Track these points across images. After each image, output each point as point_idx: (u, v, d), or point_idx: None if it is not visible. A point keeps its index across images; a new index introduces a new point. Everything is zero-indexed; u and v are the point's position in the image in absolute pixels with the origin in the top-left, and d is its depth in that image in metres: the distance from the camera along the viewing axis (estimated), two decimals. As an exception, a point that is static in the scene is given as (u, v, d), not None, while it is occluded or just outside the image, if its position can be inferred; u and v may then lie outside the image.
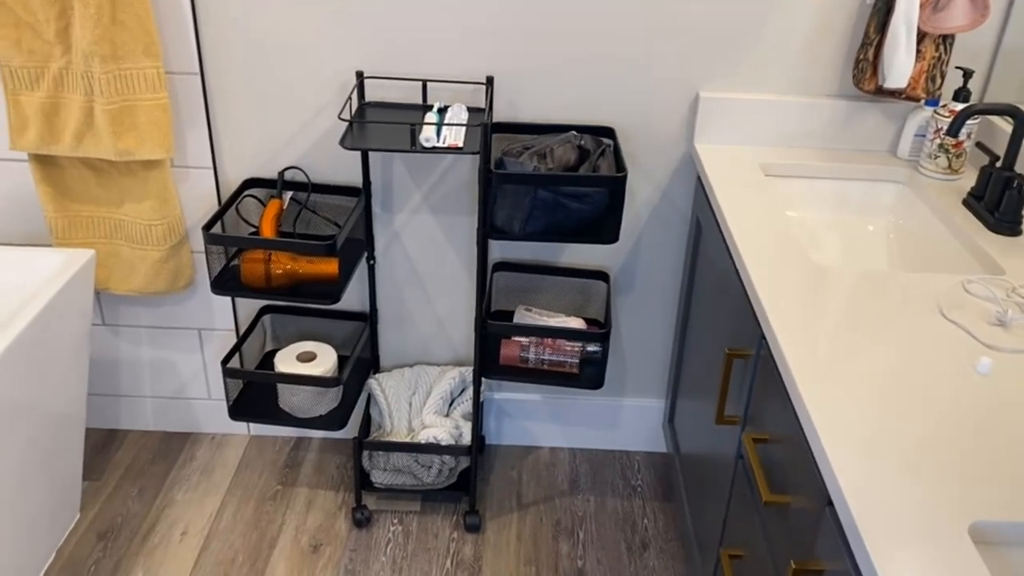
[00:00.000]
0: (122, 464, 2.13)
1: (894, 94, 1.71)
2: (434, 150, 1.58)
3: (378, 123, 1.68)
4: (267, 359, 2.08)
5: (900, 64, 1.62)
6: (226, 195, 1.93)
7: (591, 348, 1.87)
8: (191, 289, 2.03)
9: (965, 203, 1.58)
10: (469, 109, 1.75)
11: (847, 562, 0.92)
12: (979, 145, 1.62)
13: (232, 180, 1.92)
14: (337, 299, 1.74)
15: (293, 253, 1.75)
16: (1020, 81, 1.68)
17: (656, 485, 2.13)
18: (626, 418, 2.19)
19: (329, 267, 1.76)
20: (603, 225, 1.70)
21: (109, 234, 1.91)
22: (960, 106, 1.64)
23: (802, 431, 1.10)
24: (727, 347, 1.42)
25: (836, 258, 1.68)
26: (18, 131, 1.77)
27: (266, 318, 2.08)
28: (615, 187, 1.60)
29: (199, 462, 2.15)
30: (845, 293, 1.29)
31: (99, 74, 1.67)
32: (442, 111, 1.73)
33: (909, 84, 1.67)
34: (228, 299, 2.05)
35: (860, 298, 1.28)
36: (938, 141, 1.67)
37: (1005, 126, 1.66)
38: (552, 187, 1.60)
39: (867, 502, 0.91)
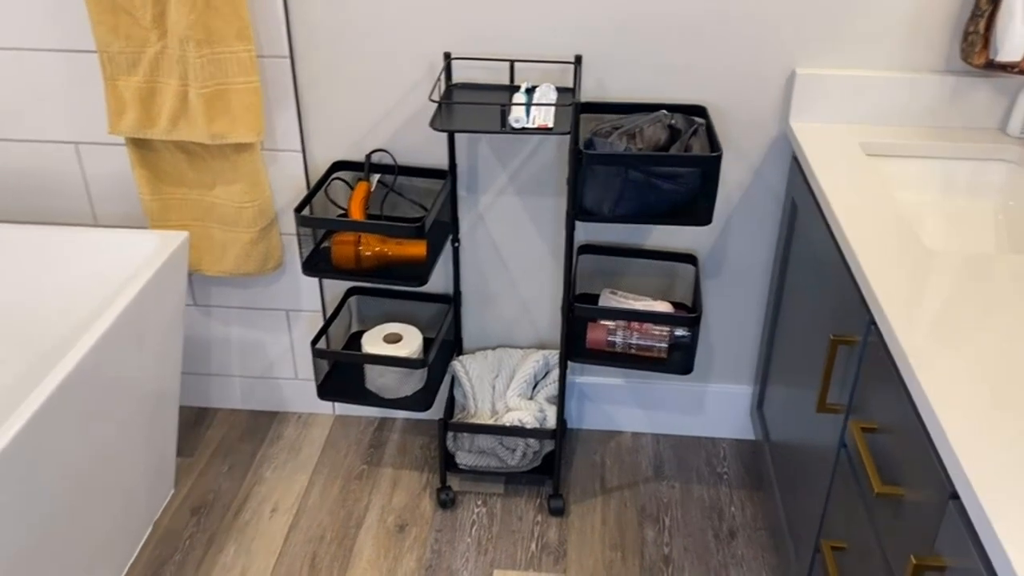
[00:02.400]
0: (212, 441, 2.18)
1: (1006, 68, 1.62)
2: (523, 131, 1.56)
3: (467, 104, 1.66)
4: (353, 340, 2.09)
5: (1015, 35, 1.53)
6: (314, 178, 1.95)
7: (679, 332, 1.83)
8: (280, 271, 2.06)
9: (1085, 182, 1.50)
10: (558, 89, 1.72)
11: (976, 559, 0.88)
12: (1101, 121, 1.52)
13: (320, 163, 1.93)
14: (425, 281, 1.74)
15: (382, 235, 1.76)
16: None
17: (743, 474, 2.09)
18: (711, 404, 2.15)
19: (417, 249, 1.76)
20: (696, 206, 1.66)
21: (201, 216, 1.95)
22: (1080, 80, 1.55)
23: (918, 421, 1.06)
24: (832, 333, 1.37)
25: (941, 241, 1.61)
26: (116, 115, 1.81)
27: (352, 300, 2.09)
28: (710, 167, 1.56)
29: (286, 440, 2.18)
30: (958, 277, 1.23)
31: (193, 58, 1.70)
32: (530, 91, 1.71)
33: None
34: (315, 281, 2.08)
35: (975, 282, 1.22)
36: (1055, 117, 1.58)
37: None
38: (644, 168, 1.57)
39: (997, 495, 0.86)
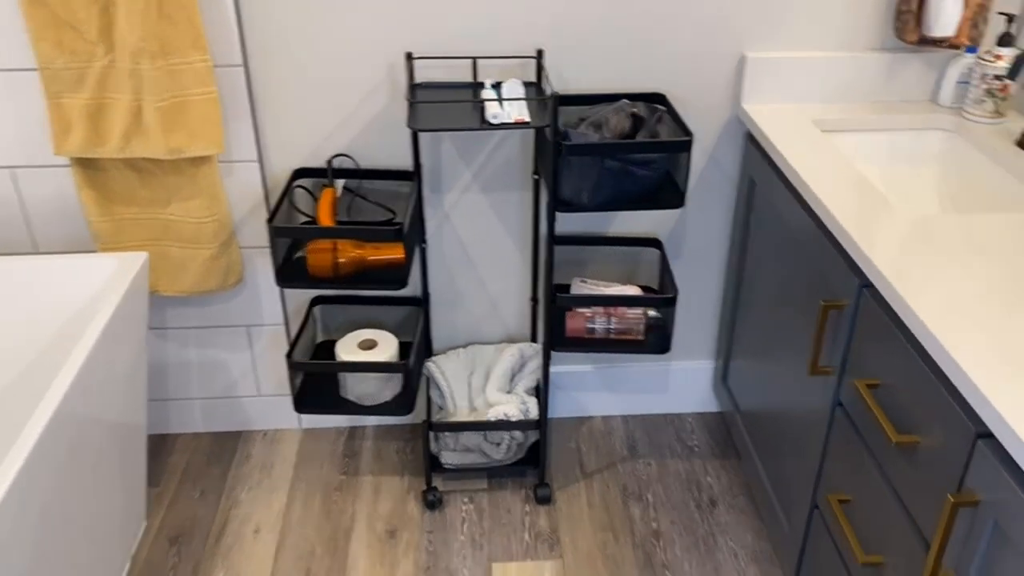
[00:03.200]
0: (177, 468, 2.10)
1: (937, 43, 1.75)
2: (502, 126, 1.57)
3: (440, 103, 1.67)
4: (319, 351, 2.06)
5: (946, 13, 1.65)
6: (272, 187, 1.91)
7: (652, 314, 1.89)
8: (239, 286, 2.00)
9: (1020, 144, 1.63)
10: (524, 84, 1.75)
11: (1016, 490, 0.95)
12: (1028, 87, 1.67)
13: (277, 172, 1.89)
14: (404, 284, 1.73)
15: (359, 240, 1.74)
16: (1055, 23, 1.73)
17: (713, 444, 2.17)
18: (675, 382, 2.23)
19: (395, 252, 1.75)
20: (668, 190, 1.72)
21: (157, 235, 1.87)
22: (1006, 50, 1.69)
23: (929, 370, 1.14)
24: (821, 299, 1.45)
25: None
26: (62, 135, 1.72)
27: (315, 309, 2.06)
28: (683, 150, 1.61)
29: (256, 459, 2.13)
30: (936, 236, 1.33)
31: (148, 71, 1.63)
32: (496, 87, 1.73)
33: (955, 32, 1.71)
34: (276, 294, 2.03)
35: (952, 239, 1.32)
36: (984, 86, 1.71)
37: (1048, 67, 1.71)
38: (620, 155, 1.61)
39: (1032, 430, 0.94)
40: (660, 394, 2.25)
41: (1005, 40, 1.69)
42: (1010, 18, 1.68)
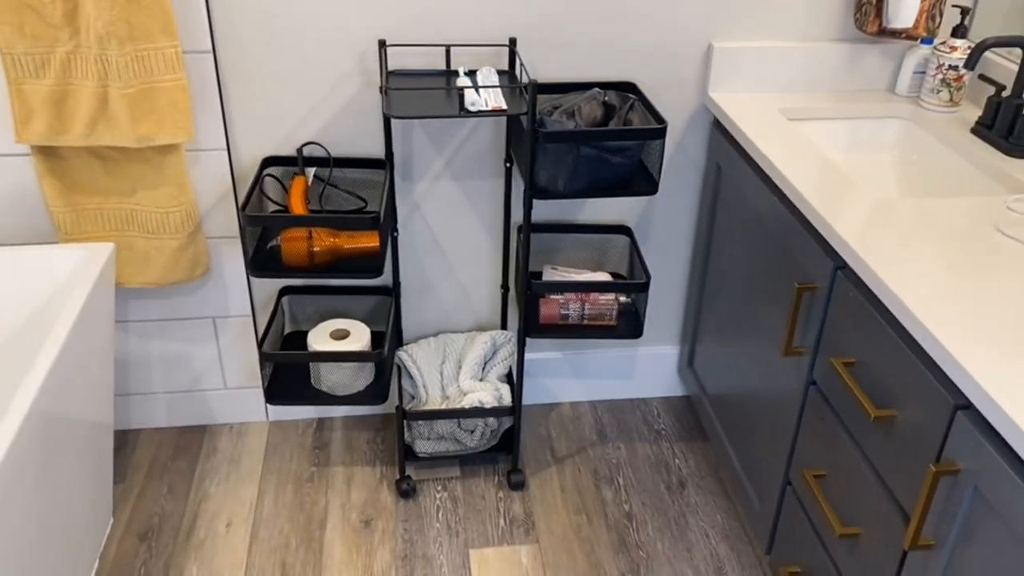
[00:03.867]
0: (142, 464, 2.06)
1: (896, 34, 1.81)
2: (480, 113, 1.58)
3: (416, 90, 1.66)
4: (288, 341, 2.04)
5: (908, 5, 1.72)
6: (240, 176, 1.88)
7: (625, 299, 1.92)
8: (205, 277, 1.97)
9: (975, 132, 1.70)
10: (497, 72, 1.75)
11: (996, 457, 1.00)
12: (982, 77, 1.74)
13: (245, 161, 1.86)
14: (380, 272, 1.72)
15: (334, 229, 1.72)
16: (1002, 16, 1.81)
17: (679, 428, 2.21)
18: (641, 367, 2.26)
19: (370, 240, 1.75)
20: (642, 177, 1.75)
21: (121, 226, 1.83)
22: (960, 42, 1.76)
23: (906, 346, 1.18)
24: (796, 281, 1.50)
25: (857, 193, 1.78)
26: (23, 123, 1.67)
27: (284, 300, 2.04)
28: (657, 138, 1.64)
29: (224, 453, 2.10)
30: (902, 219, 1.38)
31: (116, 57, 1.60)
32: (470, 75, 1.73)
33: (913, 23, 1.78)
34: (244, 285, 2.00)
35: (918, 222, 1.37)
36: (940, 76, 1.78)
37: (998, 59, 1.78)
38: (596, 143, 1.63)
39: (1008, 399, 0.99)
40: (626, 380, 2.28)
41: (959, 32, 1.76)
42: (964, 11, 1.75)
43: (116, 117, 1.66)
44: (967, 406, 1.08)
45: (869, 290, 1.30)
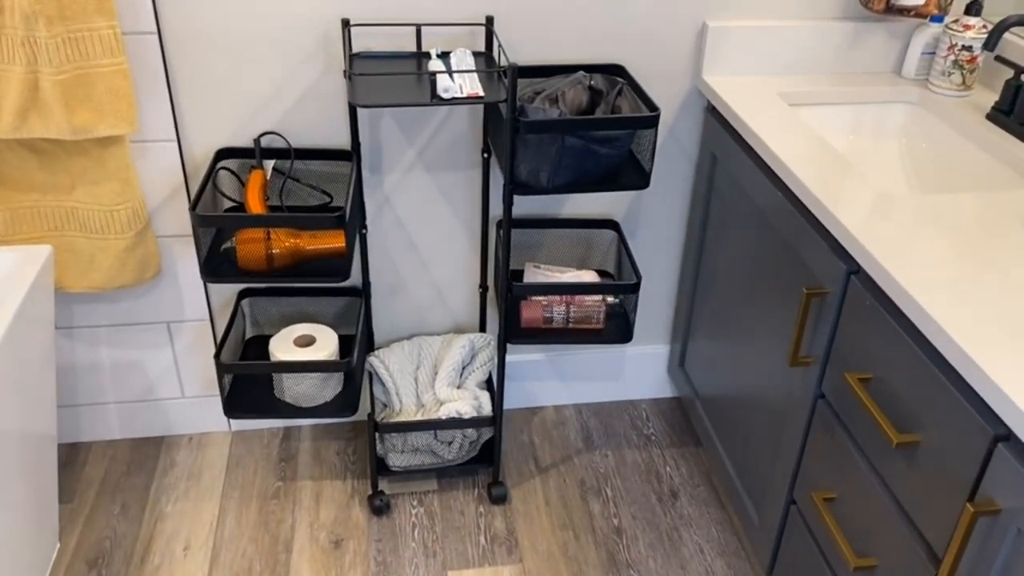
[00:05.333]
0: (93, 481, 1.91)
1: (905, 12, 1.68)
2: (454, 101, 1.43)
3: (384, 75, 1.51)
4: (250, 347, 1.88)
5: (919, -20, 1.58)
6: (192, 170, 1.72)
7: (612, 300, 1.78)
8: (157, 279, 1.81)
9: (991, 118, 1.57)
10: (473, 54, 1.60)
11: (1050, 499, 0.88)
12: (998, 58, 1.61)
13: (197, 152, 1.70)
14: (347, 275, 1.57)
15: (295, 229, 1.57)
16: (1016, -8, 1.68)
17: (669, 432, 2.09)
18: (628, 367, 2.13)
19: (335, 240, 1.59)
20: (632, 169, 1.60)
21: (60, 225, 1.66)
22: (974, 20, 1.63)
23: (934, 366, 1.05)
24: (804, 286, 1.36)
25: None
26: (-57, 113, 1.49)
27: (244, 302, 1.88)
28: (650, 126, 1.50)
29: (182, 467, 1.94)
30: (920, 217, 1.25)
31: (45, 39, 1.42)
32: (443, 57, 1.58)
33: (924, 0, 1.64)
34: (199, 286, 1.84)
35: (939, 221, 1.24)
36: (952, 57, 1.65)
37: (1016, 39, 1.65)
38: (582, 133, 1.49)
39: (1065, 435, 0.87)
40: (613, 381, 2.15)
41: (973, 9, 1.63)
42: (979, -14, 1.62)
43: (48, 106, 1.49)
44: (1008, 437, 0.96)
45: (889, 299, 1.17)
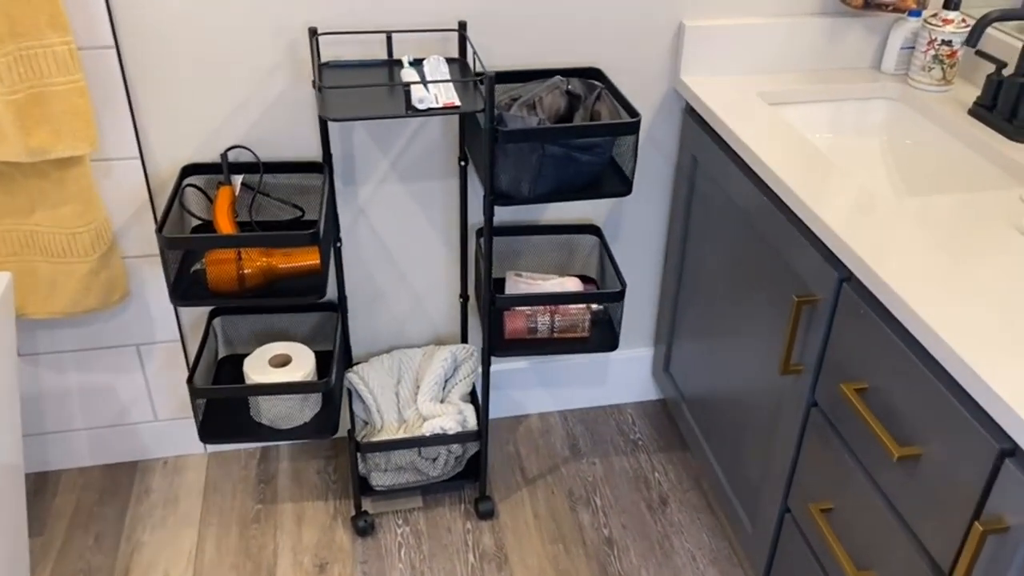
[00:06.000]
0: (64, 511, 1.84)
1: (883, 7, 1.65)
2: (430, 112, 1.38)
3: (357, 87, 1.45)
4: (223, 367, 1.82)
5: (899, -25, 1.55)
6: (157, 186, 1.65)
7: (596, 307, 1.74)
8: (125, 302, 1.74)
9: (973, 113, 1.55)
10: (446, 60, 1.55)
11: (1063, 518, 0.86)
12: (979, 53, 1.59)
13: (162, 169, 1.63)
14: (323, 294, 1.52)
15: (267, 247, 1.51)
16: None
17: (656, 436, 2.06)
18: (613, 372, 2.10)
19: (309, 258, 1.54)
20: (613, 176, 1.56)
21: (19, 249, 1.59)
22: (953, 14, 1.61)
23: (934, 377, 1.03)
24: (794, 293, 1.33)
25: (846, 183, 1.63)
26: None
27: (216, 322, 1.82)
28: (631, 132, 1.46)
29: (158, 494, 1.88)
30: (910, 221, 1.23)
31: (-4, 57, 1.35)
32: (415, 64, 1.53)
33: (903, -5, 1.62)
34: (169, 306, 1.78)
35: (931, 223, 1.22)
36: (932, 52, 1.63)
37: (996, 33, 1.63)
38: (563, 141, 1.44)
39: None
40: (598, 386, 2.12)
41: (952, 3, 1.61)
42: (957, -20, 1.60)
43: (2, 128, 1.42)
44: (1014, 452, 0.93)
45: (883, 307, 1.14)
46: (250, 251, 1.51)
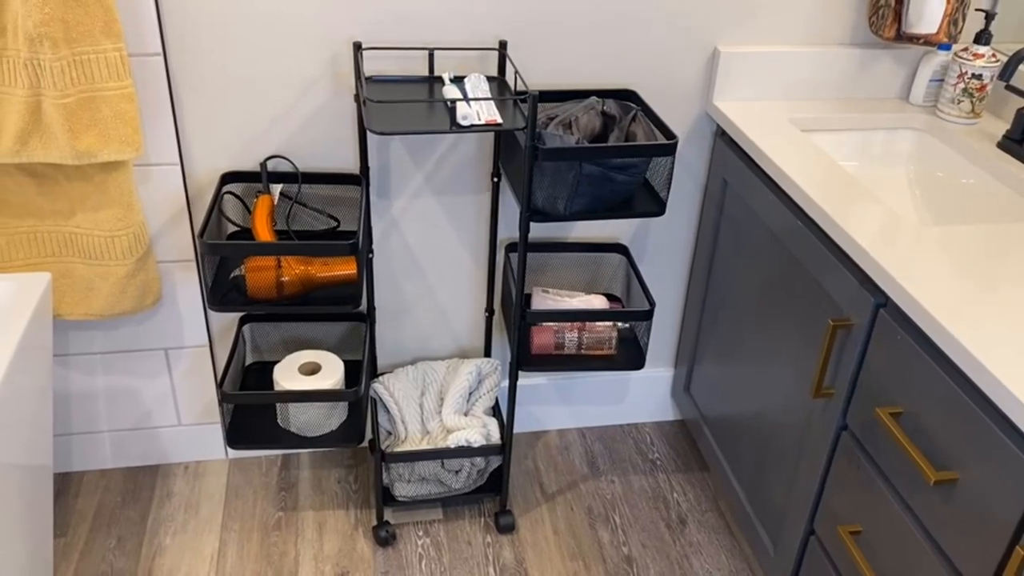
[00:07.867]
0: (87, 513, 1.85)
1: (914, 39, 1.68)
2: (473, 128, 1.40)
3: (400, 102, 1.48)
4: (250, 374, 1.84)
5: (933, 9, 1.58)
6: (196, 194, 1.67)
7: (623, 326, 1.76)
8: (155, 306, 1.76)
9: (1002, 146, 1.58)
10: (487, 78, 1.58)
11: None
12: (1010, 88, 1.62)
13: (200, 176, 1.66)
14: (359, 303, 1.54)
15: (306, 256, 1.53)
16: (1018, 21, 1.69)
17: (674, 456, 2.07)
18: (632, 391, 2.12)
19: (347, 267, 1.56)
20: (646, 196, 1.59)
21: (57, 251, 1.61)
22: (983, 49, 1.64)
23: (973, 404, 1.05)
24: (830, 318, 1.35)
25: (875, 211, 1.65)
26: (-60, 137, 1.44)
27: (245, 328, 1.83)
28: (667, 154, 1.48)
29: (179, 498, 1.89)
30: (946, 249, 1.25)
31: (50, 61, 1.38)
32: (456, 81, 1.55)
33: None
34: (199, 312, 1.80)
35: (966, 253, 1.24)
36: (961, 85, 1.66)
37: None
38: (600, 160, 1.47)
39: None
40: (617, 405, 2.13)
41: (983, 38, 1.64)
42: (988, 16, 1.63)
43: (51, 130, 1.44)
44: (1056, 478, 0.95)
45: (922, 333, 1.16)
46: (289, 259, 1.53)
